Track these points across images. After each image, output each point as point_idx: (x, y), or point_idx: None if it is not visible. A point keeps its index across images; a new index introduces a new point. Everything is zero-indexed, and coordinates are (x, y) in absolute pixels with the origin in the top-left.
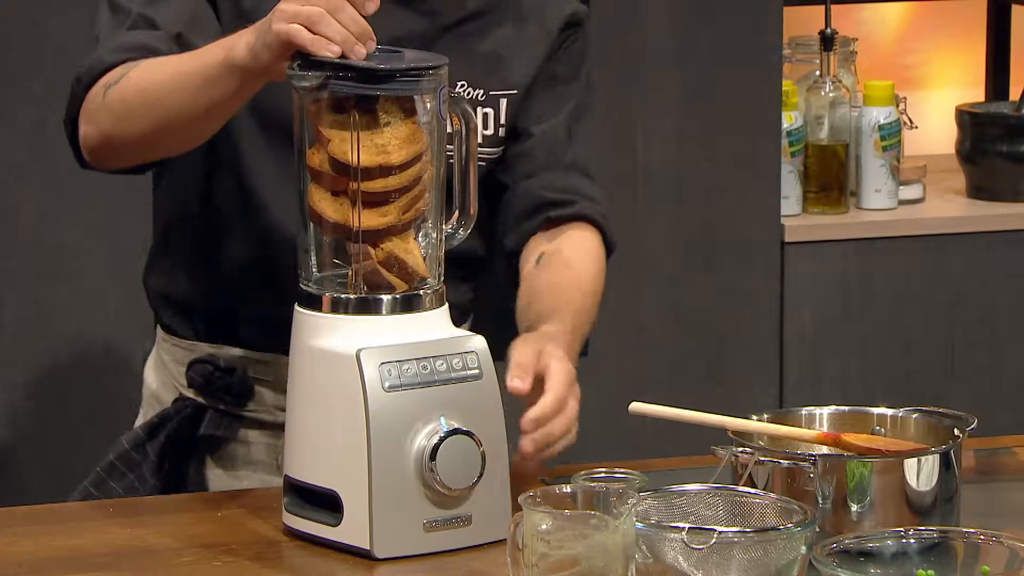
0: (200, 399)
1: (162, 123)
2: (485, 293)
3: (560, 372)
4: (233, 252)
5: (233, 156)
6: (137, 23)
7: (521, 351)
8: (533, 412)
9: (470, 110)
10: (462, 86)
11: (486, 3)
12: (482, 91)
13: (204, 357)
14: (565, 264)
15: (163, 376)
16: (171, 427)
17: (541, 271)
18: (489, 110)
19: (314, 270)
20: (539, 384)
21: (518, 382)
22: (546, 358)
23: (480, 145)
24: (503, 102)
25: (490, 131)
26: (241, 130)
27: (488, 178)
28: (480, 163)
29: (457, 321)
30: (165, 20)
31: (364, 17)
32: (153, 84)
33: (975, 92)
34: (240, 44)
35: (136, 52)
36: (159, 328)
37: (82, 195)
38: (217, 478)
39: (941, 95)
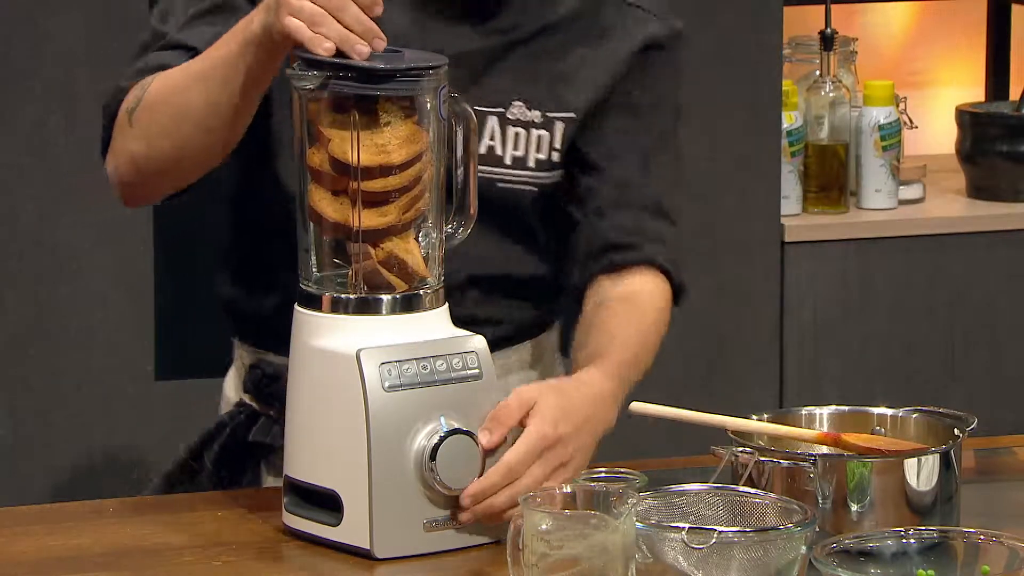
0: (255, 405)
1: (193, 127)
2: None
3: (528, 437)
4: (275, 260)
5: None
6: (168, 46)
7: (507, 401)
8: (473, 487)
9: (469, 110)
10: (519, 106)
11: (565, 18)
12: (539, 113)
13: (255, 362)
14: (623, 309)
15: (235, 381)
16: (226, 434)
17: (599, 312)
18: (544, 133)
19: (314, 270)
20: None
21: (485, 436)
22: (531, 415)
23: (531, 168)
24: (558, 125)
25: (543, 155)
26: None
27: (545, 203)
28: (531, 187)
29: (516, 339)
30: (198, 42)
31: (421, 22)
32: (176, 90)
33: (975, 92)
34: (255, 22)
35: (152, 71)
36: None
37: (82, 195)
38: (272, 484)
39: (941, 95)
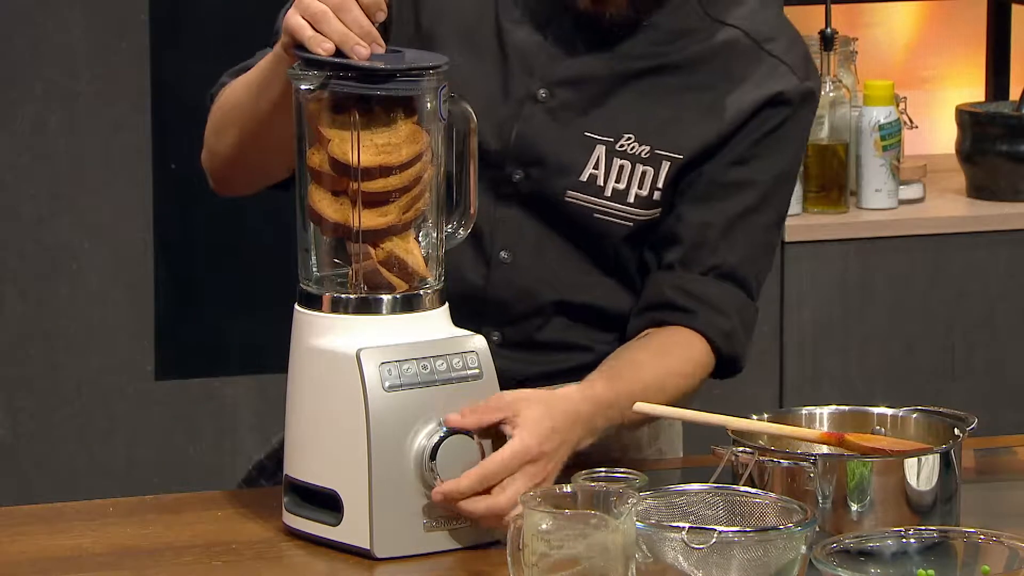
0: None
1: (239, 131)
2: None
3: (513, 448)
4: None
5: None
6: (269, 45)
7: (489, 402)
8: (447, 486)
9: (469, 109)
10: (628, 139)
11: (693, 60)
12: (648, 148)
13: None
14: (654, 347)
15: None
16: None
17: (629, 344)
18: (649, 169)
19: (314, 270)
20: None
21: (454, 417)
22: (517, 425)
23: (630, 204)
24: (665, 165)
25: (645, 191)
26: None
27: (639, 240)
28: (627, 223)
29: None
30: None
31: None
32: (233, 92)
33: (975, 92)
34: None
35: (248, 69)
36: None
37: (82, 195)
38: None
39: (941, 95)
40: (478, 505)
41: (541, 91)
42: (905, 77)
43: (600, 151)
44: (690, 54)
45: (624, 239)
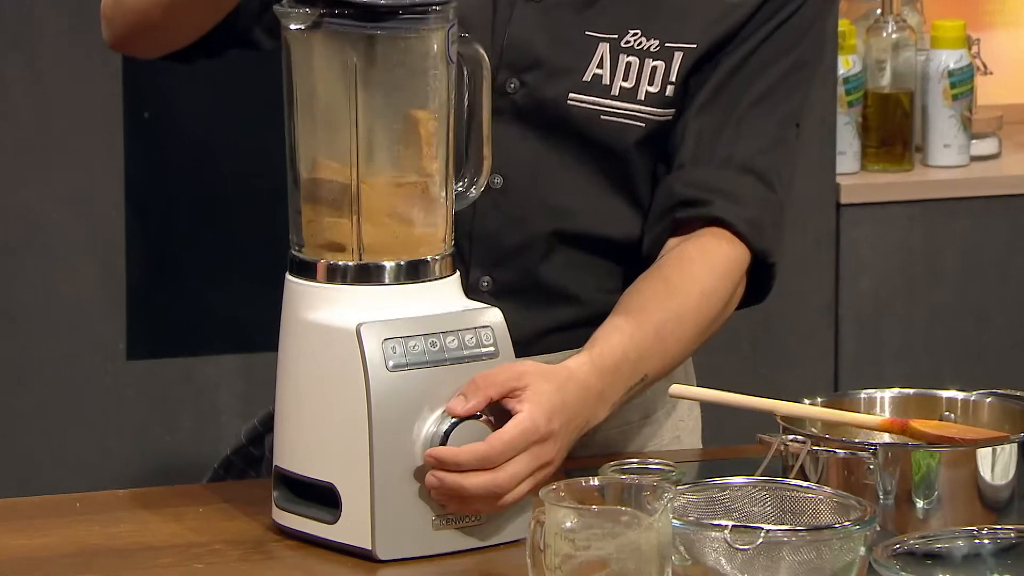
0: None
1: None
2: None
3: (520, 424)
4: None
5: None
6: None
7: (492, 372)
8: (442, 451)
9: (482, 51)
10: (634, 35)
11: None
12: (657, 42)
13: None
14: (655, 287)
15: None
16: None
17: (634, 285)
18: (660, 63)
19: (306, 234)
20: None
21: (459, 403)
22: (523, 399)
23: (640, 102)
24: (677, 56)
25: (655, 88)
26: None
27: (651, 150)
28: (638, 123)
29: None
30: None
31: None
32: None
33: None
34: None
35: None
36: None
37: (50, 155)
38: None
39: (1019, 37)
40: (475, 480)
41: None
42: (978, 16)
43: (604, 49)
44: None
45: (634, 145)
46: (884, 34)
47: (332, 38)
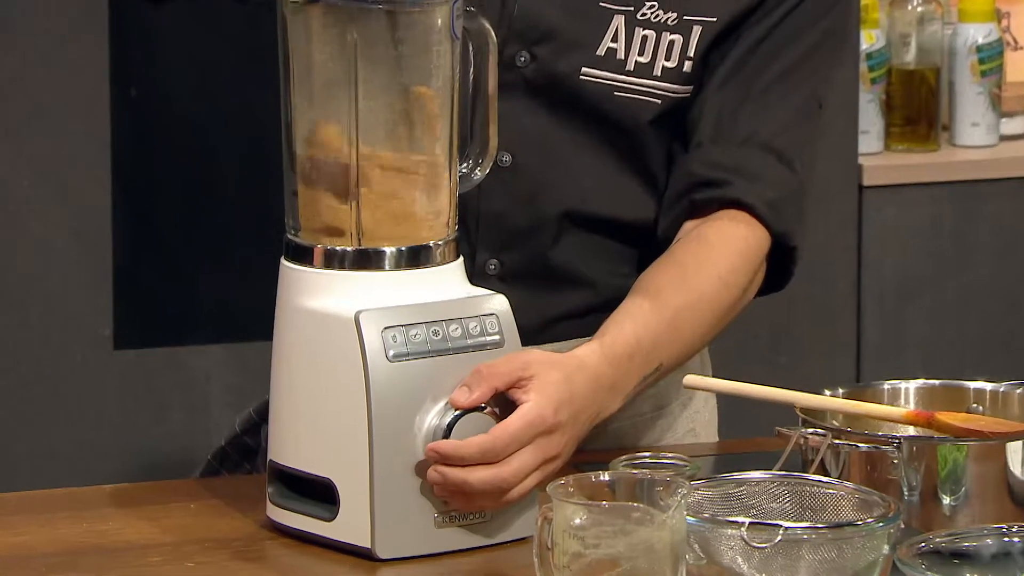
0: None
1: None
2: None
3: (526, 414)
4: None
5: None
6: None
7: (497, 361)
8: (444, 444)
9: (488, 26)
10: (651, 7)
11: None
12: (675, 15)
13: None
14: (681, 259)
15: None
16: None
17: (648, 270)
18: (677, 37)
19: (303, 217)
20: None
21: (462, 394)
22: (529, 388)
23: (656, 77)
24: (696, 30)
25: (673, 63)
26: None
27: (668, 129)
28: (654, 99)
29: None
30: None
31: None
32: None
33: None
34: None
35: None
36: None
37: (32, 133)
38: None
39: None
40: (479, 475)
41: None
42: None
43: (619, 21)
44: None
45: (649, 124)
46: (909, 7)
47: (331, 12)
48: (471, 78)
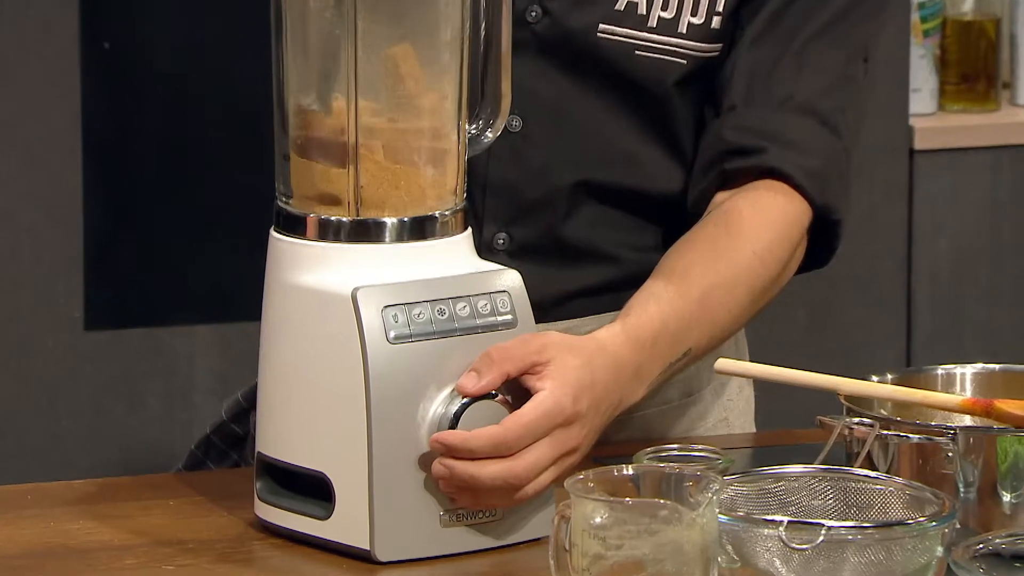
0: None
1: None
2: None
3: (543, 403)
4: None
5: None
6: None
7: (509, 344)
8: (450, 436)
9: None
10: None
11: None
12: None
13: None
14: (713, 233)
15: None
16: None
17: (675, 246)
18: None
19: (295, 184)
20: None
21: (470, 380)
22: (545, 375)
23: (681, 35)
24: None
25: (700, 19)
26: None
27: (695, 91)
28: (679, 59)
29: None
30: None
31: None
32: None
33: None
34: None
35: None
36: None
37: (3, 107)
38: None
39: None
40: (489, 470)
41: None
42: None
43: None
44: None
45: (675, 85)
46: None
47: None
48: (482, 32)
